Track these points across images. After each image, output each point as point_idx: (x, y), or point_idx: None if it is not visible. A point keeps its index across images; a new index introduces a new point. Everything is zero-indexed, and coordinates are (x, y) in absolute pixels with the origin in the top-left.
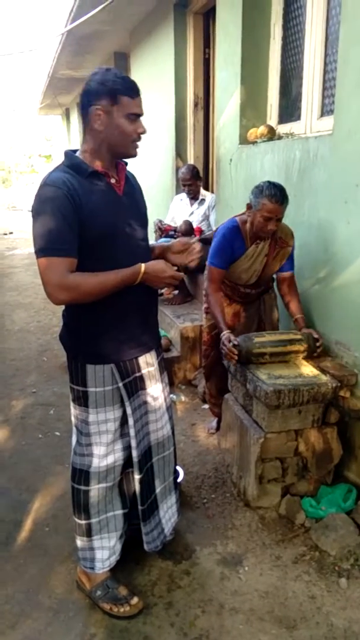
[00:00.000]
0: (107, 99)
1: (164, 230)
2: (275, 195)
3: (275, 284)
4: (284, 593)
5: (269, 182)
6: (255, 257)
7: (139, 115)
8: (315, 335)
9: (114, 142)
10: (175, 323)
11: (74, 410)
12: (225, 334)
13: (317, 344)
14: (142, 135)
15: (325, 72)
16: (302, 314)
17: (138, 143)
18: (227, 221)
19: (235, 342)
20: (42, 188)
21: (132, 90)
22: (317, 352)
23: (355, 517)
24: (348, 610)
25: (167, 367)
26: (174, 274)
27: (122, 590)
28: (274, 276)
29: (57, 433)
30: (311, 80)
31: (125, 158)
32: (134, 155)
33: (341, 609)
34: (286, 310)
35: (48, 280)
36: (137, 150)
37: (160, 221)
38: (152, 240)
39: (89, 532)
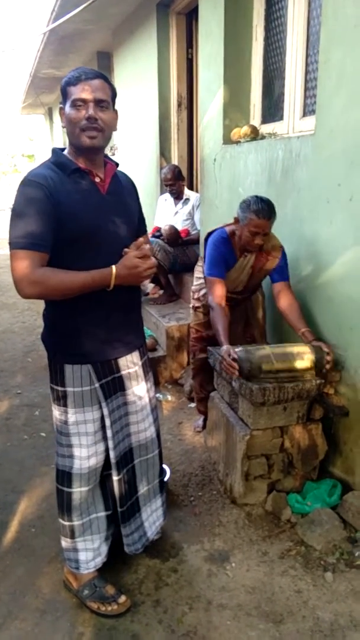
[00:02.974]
0: (62, 95)
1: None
2: (262, 210)
3: (273, 299)
4: (270, 588)
5: (256, 196)
6: (242, 269)
7: (85, 100)
8: (326, 349)
9: (69, 136)
10: (161, 322)
11: (54, 411)
12: (225, 347)
13: (328, 358)
14: (93, 122)
15: (307, 72)
16: (306, 326)
17: (94, 133)
18: (216, 231)
19: (235, 356)
20: (23, 182)
21: (77, 78)
22: (327, 367)
23: (340, 511)
24: (334, 603)
25: (152, 366)
26: (147, 265)
27: (109, 589)
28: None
29: (43, 434)
30: (293, 80)
31: (81, 149)
32: (86, 144)
33: (327, 602)
34: (289, 327)
35: (17, 273)
36: (92, 140)
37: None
38: None
39: (72, 534)
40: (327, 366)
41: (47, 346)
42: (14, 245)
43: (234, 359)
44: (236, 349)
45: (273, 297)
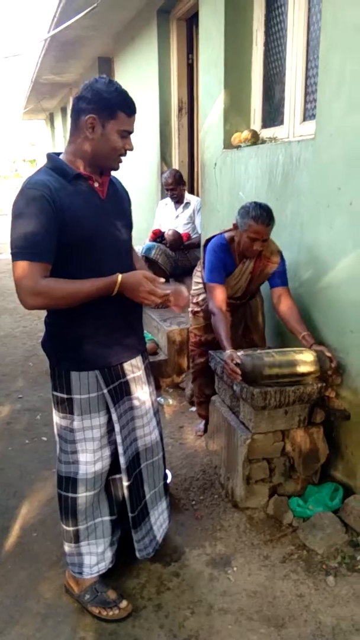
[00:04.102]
0: (105, 111)
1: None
2: (261, 216)
3: (272, 305)
4: (272, 592)
5: (255, 202)
6: (241, 275)
7: (130, 132)
8: (328, 354)
9: (101, 154)
10: (162, 327)
11: (57, 418)
12: (228, 352)
13: (332, 363)
14: (128, 152)
15: (307, 77)
16: (306, 330)
17: (122, 158)
18: (215, 237)
19: (239, 361)
20: (24, 190)
21: (130, 109)
22: (331, 372)
23: (342, 515)
24: (336, 607)
25: (154, 370)
26: (151, 289)
27: (110, 593)
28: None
29: (44, 438)
30: (293, 85)
31: (107, 170)
32: (116, 169)
33: (329, 606)
34: (288, 331)
35: (20, 284)
36: (120, 165)
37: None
38: (138, 247)
39: (76, 538)
40: (330, 372)
41: (49, 353)
42: (16, 256)
43: (236, 364)
44: (239, 354)
45: (272, 302)
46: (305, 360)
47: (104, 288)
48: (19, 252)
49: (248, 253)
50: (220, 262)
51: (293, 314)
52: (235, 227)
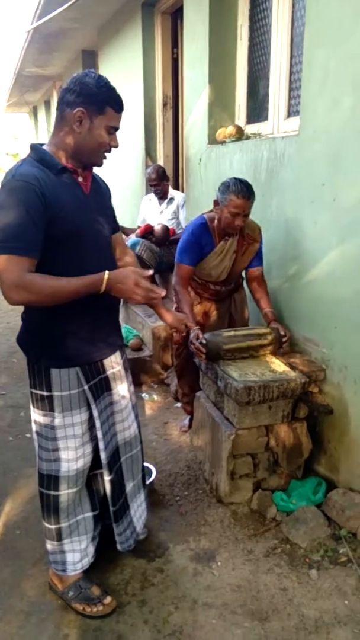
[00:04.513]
0: (94, 105)
1: (139, 231)
2: (241, 190)
3: (245, 281)
4: (256, 586)
5: (235, 178)
6: (225, 254)
7: (117, 129)
8: (282, 331)
9: (86, 148)
10: (147, 322)
11: (36, 415)
12: (194, 331)
13: (284, 338)
14: (112, 149)
15: (291, 73)
16: (271, 307)
17: (107, 154)
18: (195, 218)
19: (203, 341)
20: (10, 181)
21: (119, 105)
22: (284, 346)
23: (324, 509)
24: (319, 600)
25: (139, 366)
26: (138, 280)
27: (94, 590)
28: (243, 274)
29: (28, 435)
30: (278, 81)
31: (91, 165)
32: (99, 165)
33: (312, 599)
34: (257, 306)
35: (5, 278)
36: (104, 161)
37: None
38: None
39: (59, 536)
40: (284, 346)
41: (27, 350)
42: (2, 249)
43: (201, 343)
44: (205, 335)
45: (247, 279)
46: (261, 338)
47: (91, 285)
48: (4, 245)
49: (230, 229)
50: (195, 242)
51: (261, 289)
52: (216, 203)
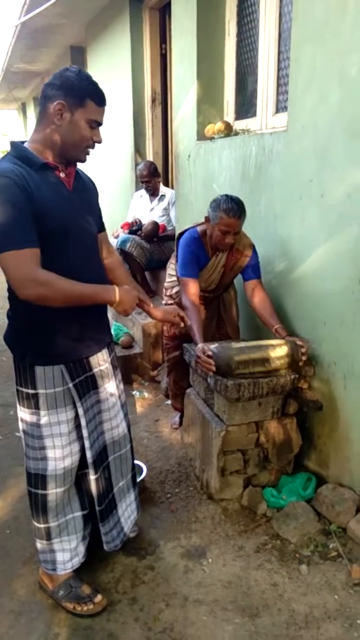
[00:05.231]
0: (74, 98)
1: (125, 227)
2: (232, 209)
3: (246, 297)
4: (246, 582)
5: (226, 195)
6: (214, 268)
7: (100, 124)
8: (300, 342)
9: (68, 143)
10: (137, 319)
11: (23, 414)
12: (200, 345)
13: (302, 349)
14: (96, 145)
15: (279, 69)
16: (279, 323)
17: (90, 150)
18: (187, 231)
19: (210, 353)
20: None
21: (100, 98)
22: (302, 360)
23: (314, 504)
24: (309, 595)
25: (129, 364)
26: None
27: (85, 588)
28: (242, 288)
29: (18, 434)
30: (266, 77)
31: (74, 161)
32: (83, 160)
33: (302, 595)
34: (262, 324)
35: (16, 274)
36: (87, 157)
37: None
38: (113, 240)
39: (48, 535)
40: (303, 358)
41: (13, 348)
42: (6, 247)
43: (209, 356)
44: (211, 346)
45: (246, 295)
46: (276, 350)
47: (101, 300)
48: (7, 242)
49: (220, 246)
50: (192, 255)
51: (266, 306)
52: (207, 219)
